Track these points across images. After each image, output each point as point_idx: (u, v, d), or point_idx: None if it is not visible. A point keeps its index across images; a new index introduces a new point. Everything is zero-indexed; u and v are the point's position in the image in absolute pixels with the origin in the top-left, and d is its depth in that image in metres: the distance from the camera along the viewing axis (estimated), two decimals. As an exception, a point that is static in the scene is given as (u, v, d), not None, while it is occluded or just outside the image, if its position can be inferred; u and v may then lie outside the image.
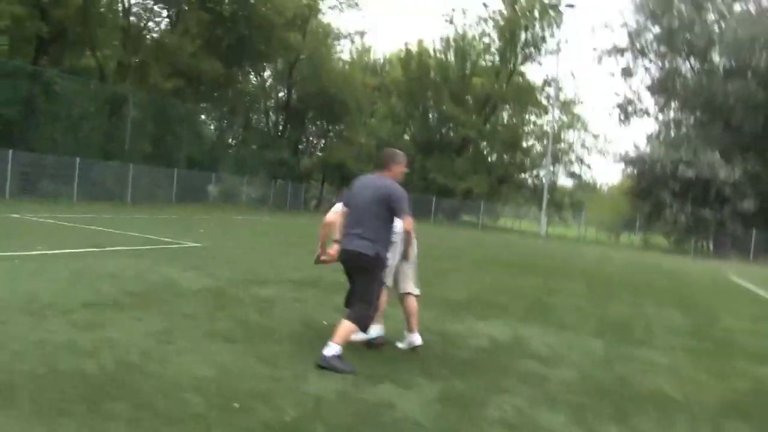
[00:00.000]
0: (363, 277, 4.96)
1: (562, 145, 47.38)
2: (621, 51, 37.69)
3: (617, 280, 14.20)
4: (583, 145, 48.90)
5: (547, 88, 41.82)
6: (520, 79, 42.28)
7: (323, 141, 39.55)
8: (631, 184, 36.92)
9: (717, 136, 32.54)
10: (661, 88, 36.62)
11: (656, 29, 35.88)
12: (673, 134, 38.04)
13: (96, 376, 3.83)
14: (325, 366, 4.58)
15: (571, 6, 37.52)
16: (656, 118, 39.75)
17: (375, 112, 42.15)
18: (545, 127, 43.37)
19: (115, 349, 4.43)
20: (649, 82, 37.95)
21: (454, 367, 5.00)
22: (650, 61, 37.13)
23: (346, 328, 4.79)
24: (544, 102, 42.56)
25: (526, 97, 41.52)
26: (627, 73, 37.94)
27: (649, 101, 40.52)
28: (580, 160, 48.49)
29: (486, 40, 41.76)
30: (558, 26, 38.95)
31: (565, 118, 44.21)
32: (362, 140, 38.36)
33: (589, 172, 40.75)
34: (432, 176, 38.94)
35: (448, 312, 7.40)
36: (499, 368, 5.15)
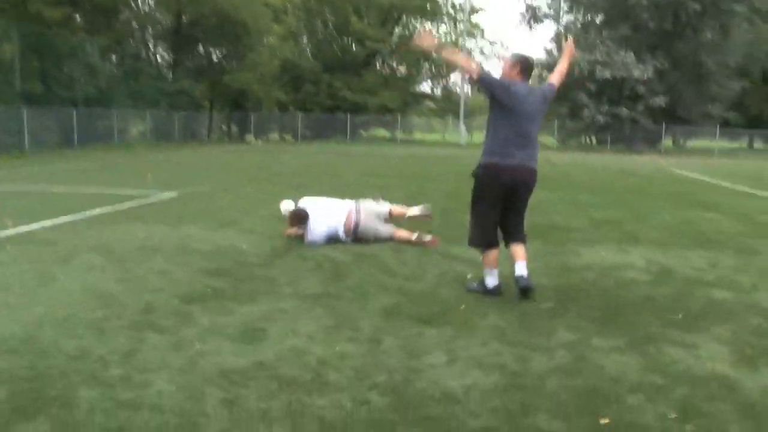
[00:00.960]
0: (526, 195, 4.69)
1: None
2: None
3: (610, 186, 13.77)
4: (482, 52, 48.62)
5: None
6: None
7: (222, 66, 36.62)
8: None
9: (626, 36, 33.13)
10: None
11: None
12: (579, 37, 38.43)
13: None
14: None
15: None
16: (560, 22, 40.06)
17: (273, 30, 39.42)
18: (450, 37, 42.50)
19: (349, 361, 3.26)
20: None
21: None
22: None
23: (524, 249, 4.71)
24: (450, 11, 41.38)
25: (431, 6, 40.16)
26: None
27: (555, 5, 40.01)
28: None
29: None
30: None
31: (462, 27, 43.07)
32: (265, 62, 35.87)
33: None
34: (342, 94, 37.46)
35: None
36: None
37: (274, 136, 39.14)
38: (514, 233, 4.75)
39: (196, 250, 6.02)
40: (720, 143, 36.89)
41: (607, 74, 31.65)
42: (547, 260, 6.00)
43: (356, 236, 6.36)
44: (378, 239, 6.36)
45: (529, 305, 4.53)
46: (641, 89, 32.45)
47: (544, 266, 5.70)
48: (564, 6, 38.94)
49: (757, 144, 44.73)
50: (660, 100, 32.48)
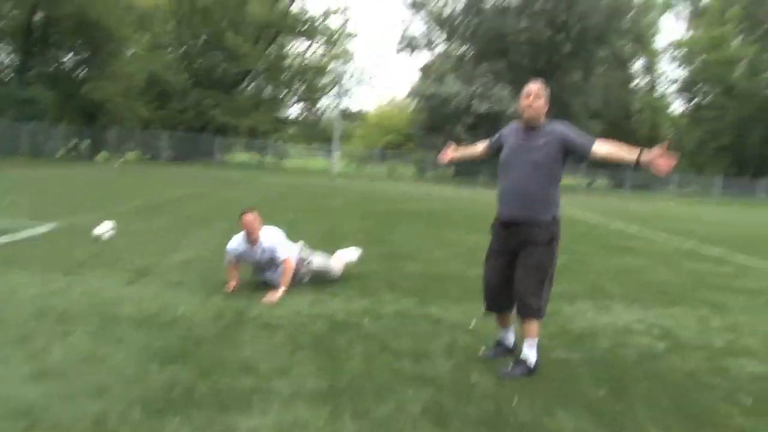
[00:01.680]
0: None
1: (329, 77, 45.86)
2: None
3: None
4: (351, 78, 48.18)
5: (330, 18, 39.84)
6: (301, 7, 39.85)
7: (81, 74, 33.25)
8: (424, 118, 36.95)
9: (502, 71, 34.04)
10: (448, 23, 37.02)
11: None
12: (448, 67, 39.24)
13: None
14: None
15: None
16: (439, 52, 40.59)
17: (142, 40, 36.59)
18: (324, 60, 41.71)
19: None
20: (438, 14, 38.10)
21: None
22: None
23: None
24: (328, 32, 40.54)
25: (308, 27, 39.16)
26: (417, 5, 37.69)
27: (435, 35, 40.44)
28: (348, 93, 47.99)
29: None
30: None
31: (339, 50, 42.52)
32: (129, 73, 33.03)
33: (359, 104, 39.26)
34: (211, 113, 35.45)
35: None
36: None
37: (131, 155, 35.97)
38: None
39: (124, 317, 4.59)
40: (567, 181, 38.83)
41: (484, 108, 32.19)
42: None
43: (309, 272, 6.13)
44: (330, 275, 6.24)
45: (579, 393, 3.66)
46: (515, 124, 33.19)
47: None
48: (439, 37, 39.38)
49: (599, 182, 47.27)
50: (533, 136, 33.35)
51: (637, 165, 3.68)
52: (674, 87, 55.19)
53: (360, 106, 53.94)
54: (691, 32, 53.71)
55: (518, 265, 4.00)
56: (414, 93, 36.49)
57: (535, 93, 3.92)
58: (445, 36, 39.36)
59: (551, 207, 3.98)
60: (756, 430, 3.46)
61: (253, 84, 40.31)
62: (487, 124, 33.05)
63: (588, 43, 34.03)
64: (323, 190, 21.15)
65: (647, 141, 46.35)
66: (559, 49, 33.58)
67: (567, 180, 39.31)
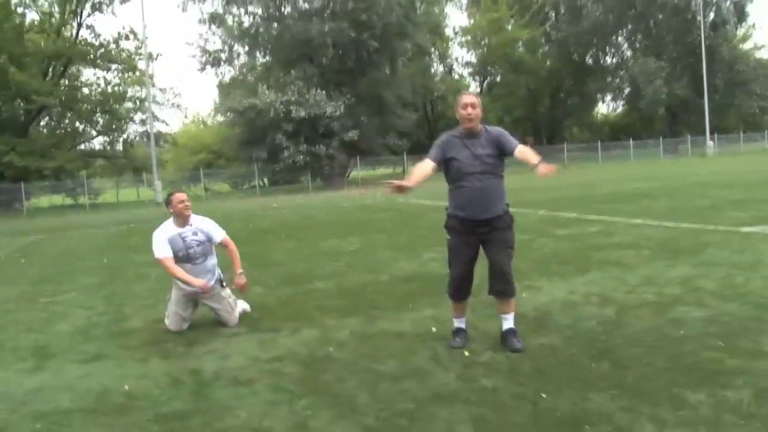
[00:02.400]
0: None
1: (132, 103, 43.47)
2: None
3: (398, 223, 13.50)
4: (154, 101, 45.83)
5: (123, 42, 37.36)
6: (91, 33, 37.01)
7: None
8: (241, 132, 35.94)
9: (313, 75, 34.20)
10: (248, 34, 36.37)
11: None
12: (252, 78, 38.87)
13: None
14: None
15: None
16: (241, 64, 39.81)
17: None
18: (123, 86, 39.16)
19: None
20: (237, 27, 37.27)
21: None
22: (238, 7, 36.41)
23: None
24: (124, 56, 37.99)
25: (102, 53, 36.44)
26: (214, 20, 36.49)
27: (235, 48, 39.54)
28: (155, 117, 45.55)
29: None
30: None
31: (138, 74, 40.04)
32: None
33: (165, 127, 37.43)
34: (7, 159, 31.94)
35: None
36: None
37: None
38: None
39: (64, 412, 3.82)
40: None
41: (303, 113, 32.12)
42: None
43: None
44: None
45: (590, 373, 3.70)
46: (335, 125, 33.60)
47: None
48: (241, 49, 38.74)
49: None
50: (352, 134, 34.00)
51: (534, 168, 4.20)
52: (468, 70, 59.36)
53: (166, 128, 51.42)
54: (472, 20, 57.73)
55: (493, 251, 4.41)
56: (226, 109, 35.44)
57: (471, 103, 4.27)
58: (246, 48, 38.66)
59: (505, 198, 4.47)
60: (748, 366, 3.71)
61: (49, 121, 36.83)
62: (308, 129, 33.11)
63: (391, 38, 35.21)
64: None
65: (456, 121, 49.30)
66: (365, 47, 34.36)
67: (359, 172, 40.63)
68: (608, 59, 62.46)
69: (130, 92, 40.01)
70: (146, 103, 39.61)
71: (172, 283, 5.54)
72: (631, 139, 50.15)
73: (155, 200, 33.09)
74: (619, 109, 72.14)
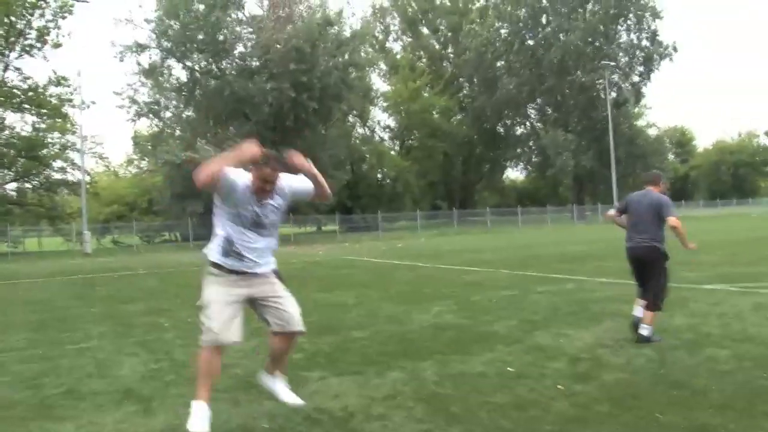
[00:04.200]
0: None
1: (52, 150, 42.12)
2: (143, 48, 36.04)
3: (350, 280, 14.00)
4: (76, 149, 44.59)
5: (53, 88, 36.48)
6: (17, 75, 35.97)
7: None
8: (176, 185, 35.61)
9: (250, 132, 34.65)
10: (185, 87, 36.60)
11: (179, 28, 35.43)
12: (178, 132, 38.98)
13: None
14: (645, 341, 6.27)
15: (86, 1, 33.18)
16: (162, 119, 39.80)
17: None
18: (46, 132, 38.05)
19: None
20: (173, 81, 37.44)
21: None
22: (177, 60, 36.62)
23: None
24: (54, 103, 36.99)
25: (34, 98, 35.48)
26: (150, 72, 36.45)
27: (169, 101, 39.51)
28: (74, 164, 44.23)
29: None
30: (65, 17, 34.30)
31: (65, 121, 39.04)
32: None
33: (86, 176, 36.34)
34: None
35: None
36: None
37: None
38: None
39: None
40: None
41: (241, 168, 32.35)
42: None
43: None
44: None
45: (679, 400, 4.51)
46: (270, 182, 33.89)
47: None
48: (173, 102, 38.81)
49: (327, 227, 49.82)
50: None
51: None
52: (388, 133, 61.56)
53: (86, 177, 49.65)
54: (390, 87, 60.40)
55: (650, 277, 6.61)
56: (161, 161, 35.17)
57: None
58: (175, 102, 38.82)
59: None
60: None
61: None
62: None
63: (328, 100, 36.44)
64: (121, 278, 19.52)
65: (378, 184, 51.40)
66: (304, 107, 35.33)
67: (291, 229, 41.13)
68: (519, 129, 66.45)
69: (51, 138, 38.89)
70: (68, 151, 38.75)
71: (203, 282, 4.22)
72: (547, 205, 53.17)
73: (83, 251, 32.13)
74: (522, 176, 76.50)
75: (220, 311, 4.05)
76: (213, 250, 4.18)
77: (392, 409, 4.65)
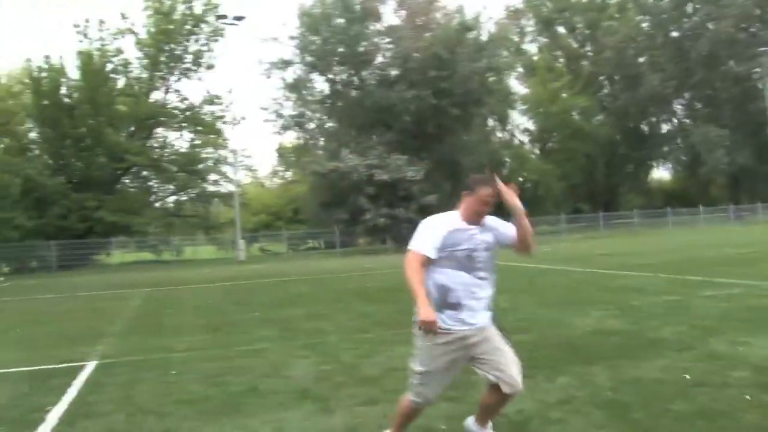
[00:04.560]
0: None
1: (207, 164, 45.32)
2: (288, 64, 38.14)
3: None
4: (226, 162, 47.67)
5: (207, 106, 39.43)
6: (176, 96, 39.30)
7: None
8: (322, 194, 37.15)
9: (394, 140, 35.55)
10: (328, 99, 38.20)
11: (320, 42, 37.19)
12: (322, 142, 40.48)
13: None
14: None
15: (240, 19, 35.56)
16: (313, 130, 41.49)
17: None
18: (203, 148, 41.06)
19: None
20: (316, 94, 39.26)
21: None
22: (320, 73, 38.44)
23: None
24: (208, 120, 39.98)
25: (188, 116, 38.63)
26: (295, 87, 38.47)
27: (313, 113, 41.44)
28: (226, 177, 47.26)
29: (129, 55, 37.52)
30: (217, 40, 37.14)
31: (218, 136, 41.97)
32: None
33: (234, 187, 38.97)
34: (98, 215, 33.59)
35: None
36: None
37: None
38: None
39: None
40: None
41: (385, 177, 33.24)
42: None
43: None
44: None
45: None
46: (414, 189, 34.58)
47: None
48: (316, 114, 40.53)
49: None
50: (431, 198, 34.93)
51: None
52: (528, 137, 60.56)
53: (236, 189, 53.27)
54: (528, 89, 59.34)
55: None
56: (309, 171, 36.80)
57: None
58: (324, 113, 40.48)
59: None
60: None
61: (134, 179, 38.83)
62: (388, 192, 34.14)
63: (469, 105, 36.60)
64: (280, 285, 20.60)
65: (519, 188, 50.36)
66: (446, 113, 35.69)
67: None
68: (665, 126, 63.04)
69: (205, 154, 41.79)
70: (220, 165, 41.48)
71: (415, 325, 3.58)
72: (700, 206, 50.10)
73: (236, 258, 34.24)
74: (668, 176, 72.45)
75: (438, 383, 3.79)
76: None
77: (570, 414, 4.65)
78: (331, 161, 34.38)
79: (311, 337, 8.62)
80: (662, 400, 4.80)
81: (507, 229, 3.77)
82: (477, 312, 3.66)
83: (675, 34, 55.36)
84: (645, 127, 62.48)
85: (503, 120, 50.98)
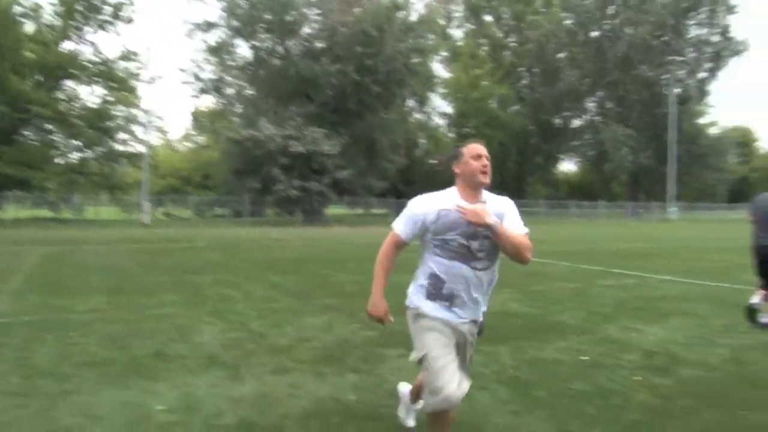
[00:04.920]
0: None
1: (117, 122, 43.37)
2: (212, 26, 36.95)
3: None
4: (137, 121, 45.78)
5: (123, 62, 37.67)
6: (90, 49, 37.31)
7: None
8: (235, 161, 36.24)
9: (313, 113, 35.15)
10: (251, 66, 37.29)
11: (248, 7, 36.16)
12: (240, 109, 39.70)
13: None
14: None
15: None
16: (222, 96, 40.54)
17: None
18: (114, 104, 39.24)
19: None
20: (238, 60, 38.25)
21: None
22: (244, 39, 37.41)
23: None
24: (122, 77, 38.22)
25: (105, 72, 36.78)
26: (217, 50, 37.31)
27: (232, 79, 40.38)
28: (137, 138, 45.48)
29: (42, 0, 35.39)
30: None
31: (131, 95, 40.22)
32: None
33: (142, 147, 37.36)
34: (-2, 168, 31.70)
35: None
36: None
37: None
38: None
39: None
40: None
41: (301, 149, 32.88)
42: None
43: None
44: None
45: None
46: (329, 163, 34.38)
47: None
48: (236, 80, 39.58)
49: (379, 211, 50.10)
50: (345, 174, 34.88)
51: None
52: (445, 120, 61.39)
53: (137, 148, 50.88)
54: (450, 74, 60.18)
55: None
56: (224, 137, 35.88)
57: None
58: (243, 80, 39.54)
59: None
60: None
61: (37, 132, 36.63)
62: (302, 164, 33.82)
63: (392, 85, 36.64)
64: (193, 248, 20.08)
65: (432, 170, 51.41)
66: (367, 90, 35.57)
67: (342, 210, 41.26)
68: (577, 122, 65.40)
69: (116, 111, 40.01)
70: (131, 124, 39.85)
71: (413, 320, 3.31)
72: (602, 200, 52.35)
73: (141, 221, 33.14)
74: (575, 169, 75.40)
75: (445, 365, 3.15)
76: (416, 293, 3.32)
77: (477, 390, 4.79)
78: (247, 129, 33.70)
79: (219, 304, 8.49)
80: (561, 380, 5.02)
81: (513, 221, 3.19)
82: (471, 306, 3.24)
83: (595, 33, 57.36)
84: (558, 121, 64.61)
85: (423, 102, 51.45)
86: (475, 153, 3.20)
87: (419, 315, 3.24)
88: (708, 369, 5.44)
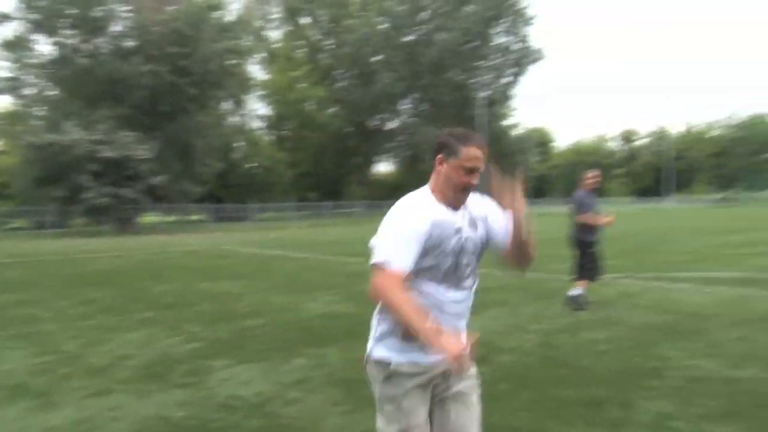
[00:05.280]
0: None
1: None
2: (6, 18, 33.42)
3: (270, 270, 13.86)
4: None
5: None
6: None
7: None
8: (36, 169, 32.89)
9: (126, 115, 33.09)
10: (53, 64, 34.31)
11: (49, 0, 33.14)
12: (43, 112, 36.74)
13: None
14: None
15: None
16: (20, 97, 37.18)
17: None
18: None
19: None
20: (39, 57, 34.98)
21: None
22: (46, 34, 34.21)
23: None
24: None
25: None
26: (11, 45, 33.84)
27: (35, 78, 36.85)
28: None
29: None
30: None
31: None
32: None
33: None
34: None
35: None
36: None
37: None
38: None
39: None
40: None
41: (111, 154, 30.83)
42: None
43: None
44: None
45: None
46: (143, 169, 32.54)
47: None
48: (35, 80, 36.32)
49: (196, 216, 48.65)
50: (159, 180, 33.21)
51: None
52: (263, 122, 60.80)
53: None
54: (268, 75, 59.80)
55: None
56: (25, 142, 32.55)
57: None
58: (44, 79, 36.34)
59: None
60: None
61: None
62: (113, 170, 31.70)
63: (208, 86, 35.52)
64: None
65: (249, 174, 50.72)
66: (182, 92, 34.20)
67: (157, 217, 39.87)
68: (392, 124, 67.65)
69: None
70: None
71: (373, 369, 2.64)
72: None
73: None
74: (393, 170, 78.26)
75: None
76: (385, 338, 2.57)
77: (307, 393, 4.83)
78: (50, 133, 30.98)
79: (25, 326, 7.82)
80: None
81: (501, 220, 2.50)
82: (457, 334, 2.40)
83: (410, 38, 59.67)
84: (374, 123, 66.37)
85: (240, 104, 50.60)
86: (472, 163, 2.40)
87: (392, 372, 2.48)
88: (523, 354, 5.89)
